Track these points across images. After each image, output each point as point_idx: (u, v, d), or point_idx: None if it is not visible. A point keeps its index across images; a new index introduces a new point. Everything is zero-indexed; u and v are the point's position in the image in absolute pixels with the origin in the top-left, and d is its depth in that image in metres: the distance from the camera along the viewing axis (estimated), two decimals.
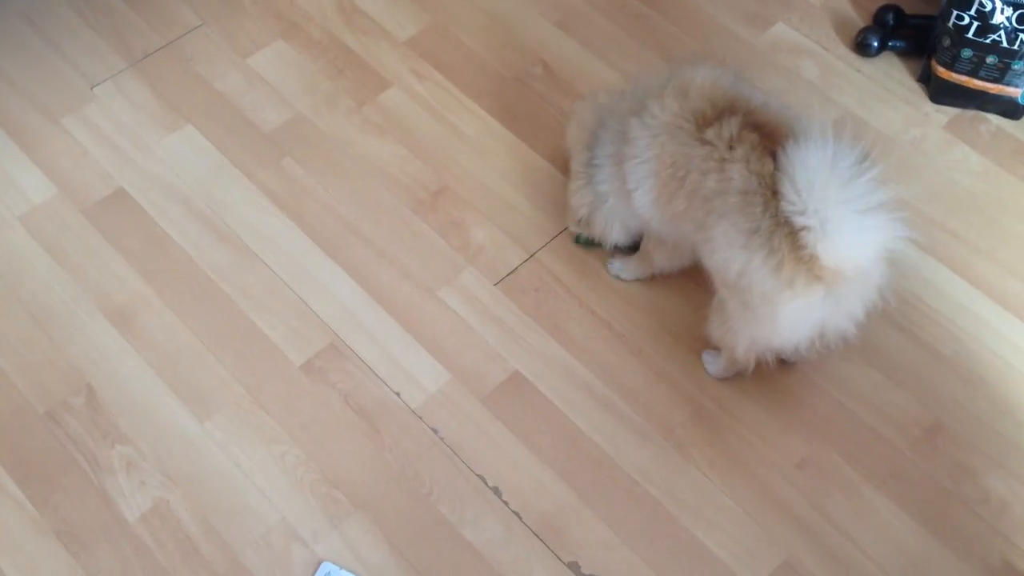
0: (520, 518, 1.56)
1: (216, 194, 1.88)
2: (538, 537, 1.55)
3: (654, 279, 1.78)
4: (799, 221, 1.33)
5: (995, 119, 1.99)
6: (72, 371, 1.68)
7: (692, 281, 1.78)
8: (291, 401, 1.66)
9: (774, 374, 1.68)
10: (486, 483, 1.59)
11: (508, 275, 1.80)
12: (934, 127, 1.99)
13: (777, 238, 1.37)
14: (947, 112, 2.01)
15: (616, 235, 1.71)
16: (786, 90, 2.02)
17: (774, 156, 1.38)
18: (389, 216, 1.86)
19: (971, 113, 2.00)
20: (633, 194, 1.57)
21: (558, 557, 1.53)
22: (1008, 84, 1.94)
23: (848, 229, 1.33)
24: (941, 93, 2.00)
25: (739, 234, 1.41)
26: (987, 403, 1.67)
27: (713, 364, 1.68)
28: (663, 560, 1.53)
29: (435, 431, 1.64)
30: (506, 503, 1.57)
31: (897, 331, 1.74)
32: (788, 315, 1.44)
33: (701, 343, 1.71)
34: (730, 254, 1.43)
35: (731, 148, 1.42)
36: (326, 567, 1.51)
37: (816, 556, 1.53)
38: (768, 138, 1.40)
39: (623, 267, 1.78)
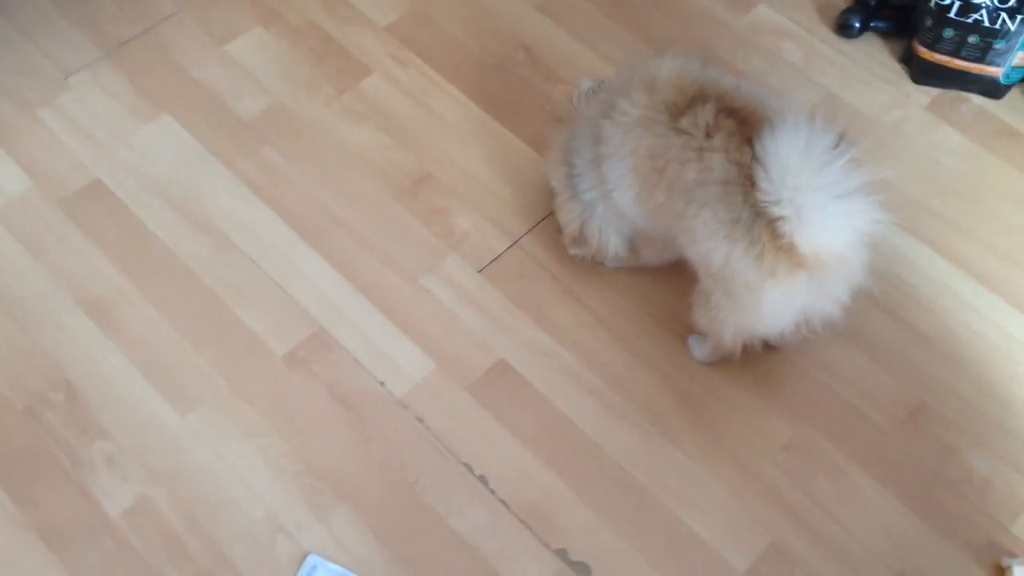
0: (507, 506, 1.56)
1: (195, 184, 1.86)
2: (525, 525, 1.54)
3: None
4: (774, 211, 1.32)
5: (977, 99, 1.99)
6: (50, 366, 1.66)
7: (676, 268, 1.77)
8: (274, 392, 1.65)
9: (759, 358, 1.68)
10: (472, 472, 1.58)
11: (492, 262, 1.79)
12: (916, 108, 1.98)
13: (758, 227, 1.36)
14: (929, 92, 2.00)
15: (614, 245, 1.69)
16: (768, 72, 2.01)
17: (751, 143, 1.37)
18: (371, 204, 1.85)
19: (953, 93, 2.00)
20: (613, 194, 1.56)
21: (546, 544, 1.53)
22: (989, 64, 1.93)
23: (824, 216, 1.32)
24: (923, 73, 2.00)
25: (720, 224, 1.40)
26: (970, 383, 1.67)
27: (699, 349, 1.68)
28: (651, 545, 1.53)
29: (420, 420, 1.63)
30: (493, 491, 1.57)
31: (880, 312, 1.74)
32: (772, 302, 1.44)
33: (686, 329, 1.71)
34: (712, 245, 1.42)
35: (708, 136, 1.40)
36: (312, 559, 1.50)
37: (803, 538, 1.53)
38: (745, 124, 1.39)
39: (605, 255, 1.77)
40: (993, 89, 1.98)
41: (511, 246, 1.80)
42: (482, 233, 1.82)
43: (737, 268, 1.41)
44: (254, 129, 1.93)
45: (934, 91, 2.00)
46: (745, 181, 1.36)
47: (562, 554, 1.52)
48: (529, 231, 1.81)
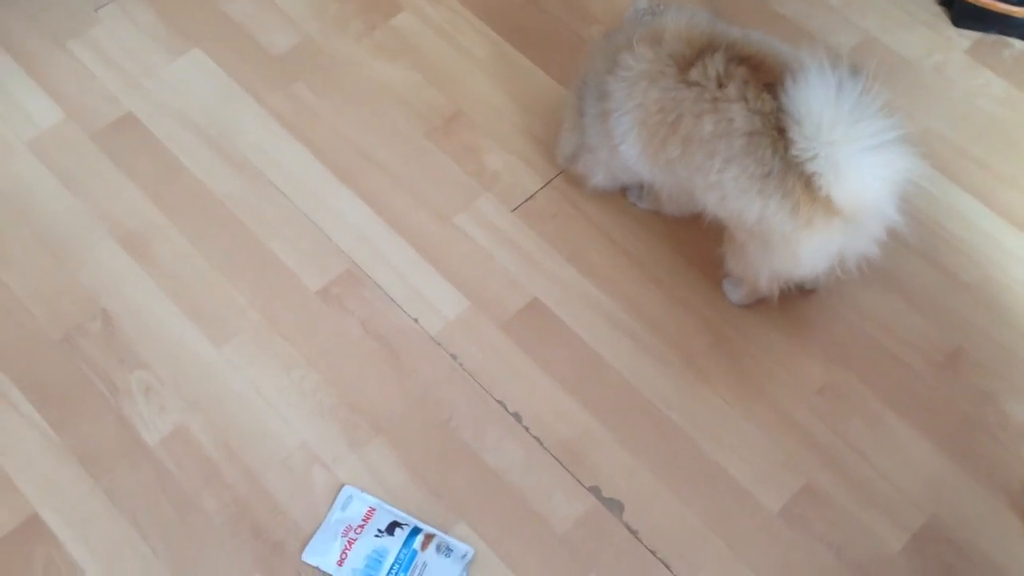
0: (541, 443, 1.56)
1: (226, 119, 1.84)
2: (559, 462, 1.55)
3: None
4: (810, 167, 1.30)
5: (1018, 43, 1.96)
6: (87, 297, 1.66)
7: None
8: (308, 327, 1.65)
9: (794, 301, 1.67)
10: (506, 409, 1.59)
11: (525, 201, 1.77)
12: (956, 52, 1.95)
13: (791, 179, 1.34)
14: (969, 36, 1.97)
15: (598, 179, 1.69)
16: (807, 15, 1.98)
17: (770, 90, 1.34)
18: (403, 142, 1.83)
19: (993, 37, 1.97)
20: (619, 148, 1.54)
21: (579, 481, 1.53)
22: None
23: (861, 170, 1.30)
24: (964, 17, 1.97)
25: (752, 180, 1.38)
26: (1009, 329, 1.66)
27: (735, 293, 1.67)
28: (683, 484, 1.53)
29: (454, 357, 1.63)
30: (527, 428, 1.57)
31: (918, 257, 1.72)
32: (809, 250, 1.43)
33: (721, 271, 1.69)
34: (745, 202, 1.40)
35: (721, 86, 1.37)
36: (347, 491, 1.51)
37: (835, 480, 1.53)
38: (758, 70, 1.36)
39: (639, 196, 1.76)
40: None
41: (544, 186, 1.79)
42: (514, 172, 1.80)
43: (773, 221, 1.39)
44: (285, 65, 1.91)
45: (975, 35, 1.97)
46: (772, 131, 1.34)
47: (595, 491, 1.53)
48: (563, 171, 1.80)
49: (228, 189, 1.77)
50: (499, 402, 1.59)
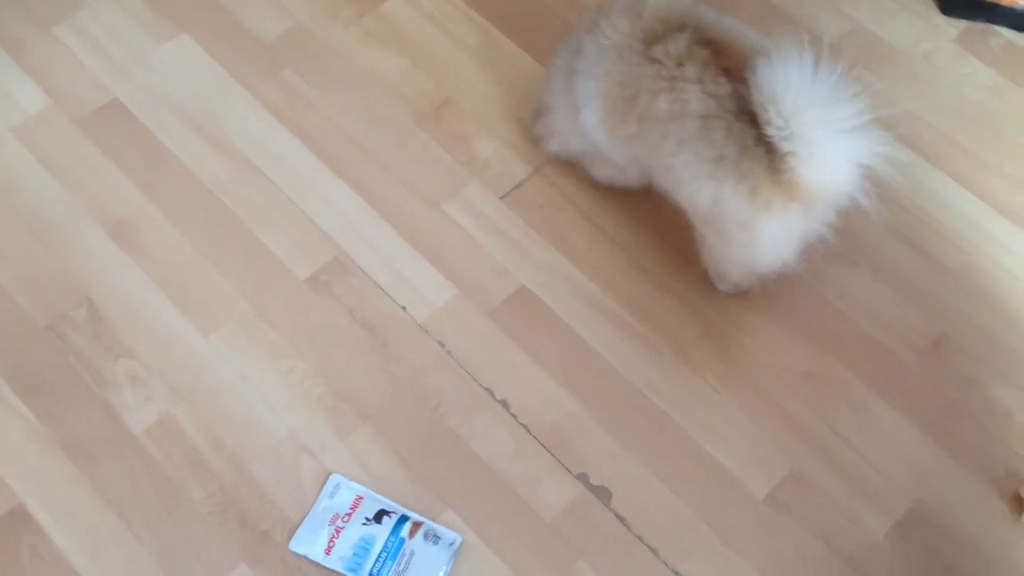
0: (528, 431, 1.56)
1: (215, 106, 1.83)
2: (547, 449, 1.55)
3: (654, 193, 1.76)
4: (785, 146, 1.29)
5: (1006, 32, 1.96)
6: (72, 285, 1.65)
7: None
8: (297, 315, 1.64)
9: (780, 289, 1.68)
10: (494, 396, 1.59)
11: (514, 189, 1.77)
12: (944, 40, 1.96)
13: (746, 162, 1.33)
14: (958, 25, 1.97)
15: (554, 145, 1.70)
16: (796, 3, 1.98)
17: (729, 75, 1.34)
18: (392, 129, 1.83)
19: (981, 26, 1.97)
20: (581, 111, 1.53)
21: (567, 468, 1.54)
22: None
23: (836, 152, 1.30)
24: (952, 5, 1.97)
25: (704, 163, 1.37)
26: (993, 316, 1.67)
27: (722, 282, 1.67)
28: (671, 471, 1.54)
29: (442, 345, 1.63)
30: (514, 416, 1.57)
31: (904, 244, 1.73)
32: (769, 237, 1.42)
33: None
34: (697, 186, 1.40)
35: (680, 65, 1.37)
36: (335, 479, 1.51)
37: (822, 467, 1.54)
38: (720, 55, 1.36)
39: (592, 167, 1.74)
40: (1022, 22, 1.95)
41: (533, 174, 1.79)
42: (504, 160, 1.80)
43: (728, 207, 1.38)
44: (274, 51, 1.90)
45: (963, 23, 1.97)
46: (727, 114, 1.33)
47: (583, 478, 1.53)
48: (551, 159, 1.80)
49: (216, 176, 1.76)
50: (486, 389, 1.59)
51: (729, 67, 1.35)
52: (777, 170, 1.31)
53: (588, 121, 1.54)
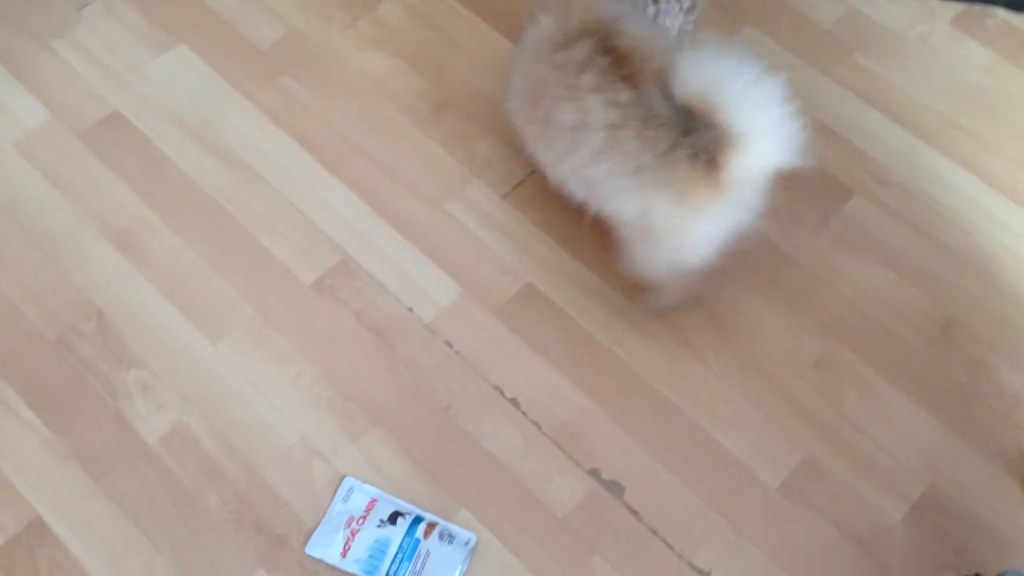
0: (539, 427, 1.57)
1: (214, 114, 1.84)
2: (558, 445, 1.55)
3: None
4: (721, 138, 1.27)
5: (1002, 13, 1.96)
6: (80, 297, 1.66)
7: None
8: (303, 320, 1.65)
9: (784, 276, 1.68)
10: (503, 394, 1.59)
11: (515, 187, 1.77)
12: (941, 22, 1.95)
13: (667, 168, 1.32)
14: (954, 7, 1.97)
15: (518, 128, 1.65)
16: None
17: (628, 81, 1.33)
18: (392, 131, 1.83)
19: (977, 7, 1.97)
20: (509, 102, 1.53)
21: (579, 464, 1.54)
22: None
23: (773, 132, 1.28)
24: None
25: (624, 176, 1.36)
26: (1001, 298, 1.67)
27: (649, 301, 1.64)
28: (683, 463, 1.54)
29: (450, 344, 1.63)
30: (524, 413, 1.58)
31: (908, 228, 1.73)
32: (702, 236, 1.41)
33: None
34: (623, 199, 1.39)
35: (579, 74, 1.35)
36: (349, 482, 1.51)
37: (833, 453, 1.54)
38: (620, 63, 1.34)
39: None
40: (1018, 2, 1.95)
41: (534, 171, 1.79)
42: (504, 158, 1.80)
43: (656, 216, 1.37)
44: (271, 58, 1.90)
45: (959, 5, 1.97)
46: (634, 122, 1.32)
47: (595, 473, 1.53)
48: None
49: (218, 184, 1.77)
50: (496, 388, 1.60)
51: (629, 74, 1.34)
52: (703, 169, 1.29)
53: (514, 115, 1.53)
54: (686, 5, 1.81)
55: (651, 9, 1.77)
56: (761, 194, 1.40)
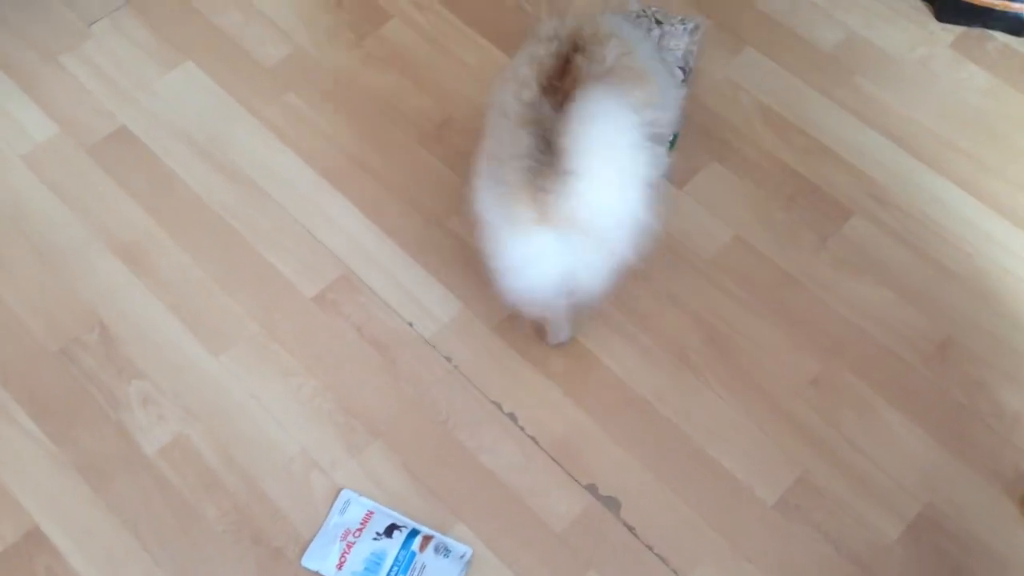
0: (537, 443, 1.57)
1: (220, 130, 1.86)
2: (555, 461, 1.56)
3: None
4: (562, 172, 1.25)
5: (1001, 36, 1.98)
6: (84, 309, 1.68)
7: (695, 201, 1.78)
8: (305, 334, 1.66)
9: (784, 295, 1.69)
10: (502, 409, 1.60)
11: None
12: (941, 46, 1.97)
13: (511, 168, 1.31)
14: (953, 31, 1.99)
15: None
16: (790, 12, 2.00)
17: (549, 87, 1.34)
18: (395, 148, 1.85)
19: (977, 31, 1.98)
20: None
21: (576, 479, 1.54)
22: (1014, 0, 1.92)
23: (596, 187, 1.27)
24: (947, 11, 1.98)
25: (483, 158, 1.39)
26: (999, 319, 1.67)
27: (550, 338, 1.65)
28: (680, 480, 1.54)
29: (449, 360, 1.64)
30: (522, 428, 1.58)
31: (907, 249, 1.74)
32: (520, 260, 1.38)
33: (711, 267, 1.71)
34: (477, 181, 1.40)
35: (527, 64, 1.38)
36: (346, 494, 1.52)
37: (831, 471, 1.55)
38: (564, 72, 1.36)
39: None
40: (1018, 26, 1.96)
41: None
42: None
43: (487, 209, 1.37)
44: (277, 76, 1.93)
45: (958, 29, 1.99)
46: (519, 119, 1.33)
47: (592, 489, 1.54)
48: None
49: (223, 199, 1.79)
50: (494, 403, 1.60)
51: (559, 83, 1.35)
52: (539, 188, 1.28)
53: None
54: (690, 26, 1.83)
55: (655, 31, 1.79)
56: (601, 252, 1.37)
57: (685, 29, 1.84)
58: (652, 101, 1.43)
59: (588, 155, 1.25)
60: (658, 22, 1.83)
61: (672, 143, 1.79)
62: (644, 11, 1.84)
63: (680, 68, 1.84)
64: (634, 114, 1.28)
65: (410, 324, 1.67)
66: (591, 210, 1.29)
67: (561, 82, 1.36)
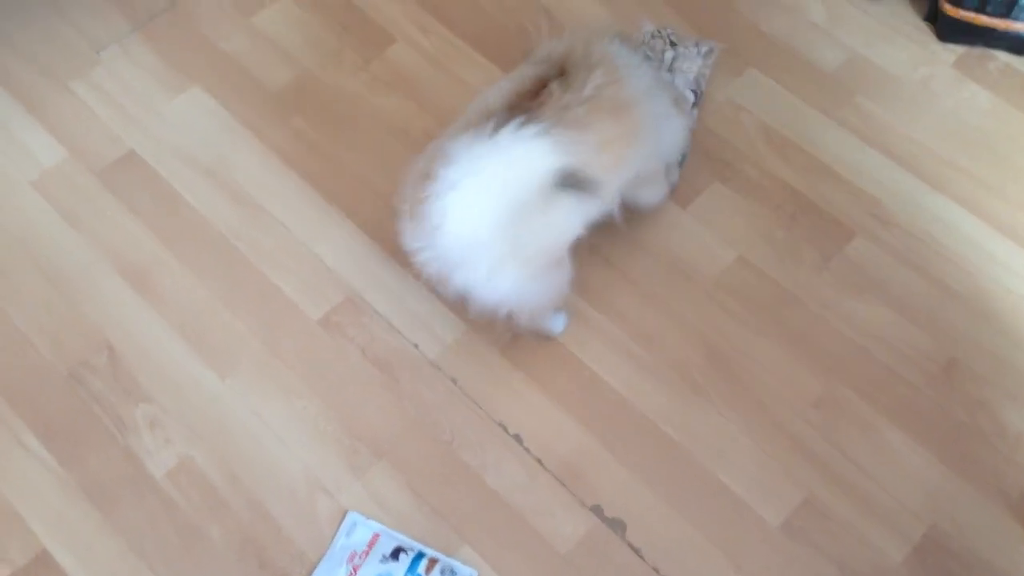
0: (541, 464, 1.58)
1: (227, 154, 1.88)
2: (560, 482, 1.56)
3: (661, 220, 1.78)
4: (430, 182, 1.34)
5: (1003, 56, 1.99)
6: (92, 332, 1.69)
7: (698, 221, 1.79)
8: (310, 355, 1.67)
9: (786, 315, 1.69)
10: (507, 430, 1.60)
11: None
12: (942, 66, 1.98)
13: (427, 147, 1.41)
14: (955, 50, 2.00)
15: None
16: (792, 34, 2.01)
17: (517, 101, 1.40)
18: (400, 171, 1.85)
19: (979, 51, 1.99)
20: None
21: (581, 501, 1.55)
22: (1016, 19, 1.93)
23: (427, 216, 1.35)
24: (948, 31, 1.99)
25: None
26: (1002, 338, 1.67)
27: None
28: (685, 501, 1.55)
29: (454, 381, 1.65)
30: (527, 449, 1.59)
31: (910, 269, 1.74)
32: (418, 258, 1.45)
33: (714, 286, 1.72)
34: None
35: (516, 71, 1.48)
36: (352, 517, 1.52)
37: (835, 492, 1.55)
38: (537, 91, 1.41)
39: None
40: (1020, 45, 1.97)
41: None
42: None
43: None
44: (283, 99, 1.95)
45: (960, 49, 2.00)
46: (471, 119, 1.40)
47: (597, 510, 1.54)
48: None
49: (229, 222, 1.80)
50: (499, 424, 1.61)
51: (527, 107, 1.39)
52: (420, 184, 1.36)
53: None
54: (704, 50, 1.85)
55: (669, 53, 1.81)
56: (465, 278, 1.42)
57: (699, 52, 1.86)
58: (625, 138, 1.46)
59: (441, 181, 1.32)
60: (672, 44, 1.84)
61: (681, 163, 1.81)
62: (659, 32, 1.85)
63: (692, 91, 1.86)
64: (552, 159, 1.34)
65: (415, 345, 1.68)
66: (446, 234, 1.35)
67: (531, 103, 1.39)
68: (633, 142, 1.49)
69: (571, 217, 1.45)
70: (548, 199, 1.39)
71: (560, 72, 1.44)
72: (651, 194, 1.72)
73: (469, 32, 2.03)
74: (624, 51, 1.54)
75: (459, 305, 1.70)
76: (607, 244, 1.77)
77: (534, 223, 1.40)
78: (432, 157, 1.37)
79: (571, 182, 1.39)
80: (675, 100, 1.69)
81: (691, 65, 1.85)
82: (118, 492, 1.55)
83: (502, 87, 1.45)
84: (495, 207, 1.35)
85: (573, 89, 1.42)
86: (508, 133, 1.33)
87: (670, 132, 1.66)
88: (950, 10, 1.95)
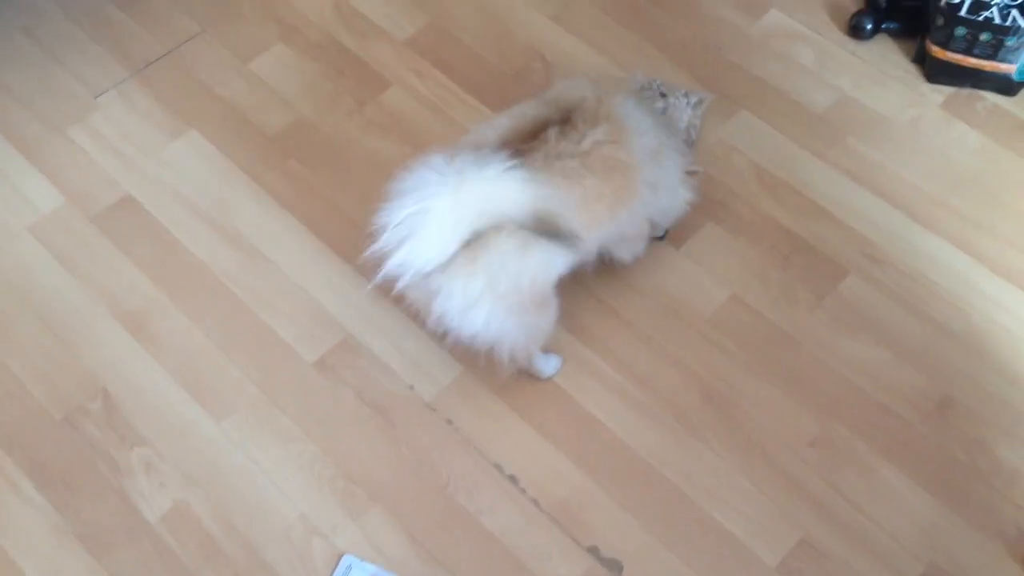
0: (538, 505, 1.57)
1: (223, 198, 1.89)
2: (556, 523, 1.56)
3: (654, 261, 1.79)
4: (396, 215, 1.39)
5: (991, 96, 2.01)
6: (88, 377, 1.69)
7: (692, 262, 1.80)
8: (305, 399, 1.67)
9: (781, 355, 1.70)
10: (503, 472, 1.60)
11: None
12: (931, 107, 2.00)
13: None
14: (943, 91, 2.02)
15: None
16: (782, 76, 2.04)
17: (508, 142, 1.44)
18: None
19: (967, 91, 2.02)
20: None
21: (577, 542, 1.54)
22: (1002, 61, 1.96)
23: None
24: (937, 72, 2.02)
25: None
26: (996, 376, 1.68)
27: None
28: (681, 541, 1.54)
29: (450, 422, 1.65)
30: (523, 491, 1.59)
31: (903, 307, 1.75)
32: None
33: (709, 327, 1.73)
34: None
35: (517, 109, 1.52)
36: (347, 560, 1.52)
37: (832, 532, 1.54)
38: (534, 135, 1.45)
39: None
40: (1007, 86, 2.00)
41: None
42: None
43: None
44: (279, 143, 1.97)
45: (948, 90, 2.02)
46: (463, 150, 1.44)
47: (594, 551, 1.53)
48: None
49: (225, 266, 1.81)
50: (495, 465, 1.61)
51: (522, 143, 1.42)
52: (392, 205, 1.40)
53: None
54: (693, 100, 1.87)
55: (659, 104, 1.83)
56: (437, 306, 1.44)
57: (688, 103, 1.88)
58: (611, 198, 1.48)
59: (411, 202, 1.36)
60: (663, 95, 1.86)
61: (663, 236, 1.82)
62: (650, 83, 1.88)
63: (683, 140, 1.88)
64: (529, 202, 1.35)
65: (411, 387, 1.68)
66: (412, 254, 1.38)
67: (525, 144, 1.40)
68: (619, 205, 1.50)
69: (548, 261, 1.45)
70: (524, 239, 1.39)
71: (564, 118, 1.45)
72: (629, 251, 1.71)
73: (465, 77, 2.05)
74: (637, 112, 1.54)
75: (458, 349, 1.71)
76: (601, 285, 1.78)
77: (508, 261, 1.40)
78: (405, 179, 1.39)
79: (547, 229, 1.39)
80: (686, 173, 1.67)
81: (681, 116, 1.87)
82: (112, 537, 1.54)
83: (499, 123, 1.46)
84: (462, 235, 1.35)
85: (571, 139, 1.43)
86: (489, 166, 1.34)
87: (668, 202, 1.66)
88: (938, 52, 1.98)
